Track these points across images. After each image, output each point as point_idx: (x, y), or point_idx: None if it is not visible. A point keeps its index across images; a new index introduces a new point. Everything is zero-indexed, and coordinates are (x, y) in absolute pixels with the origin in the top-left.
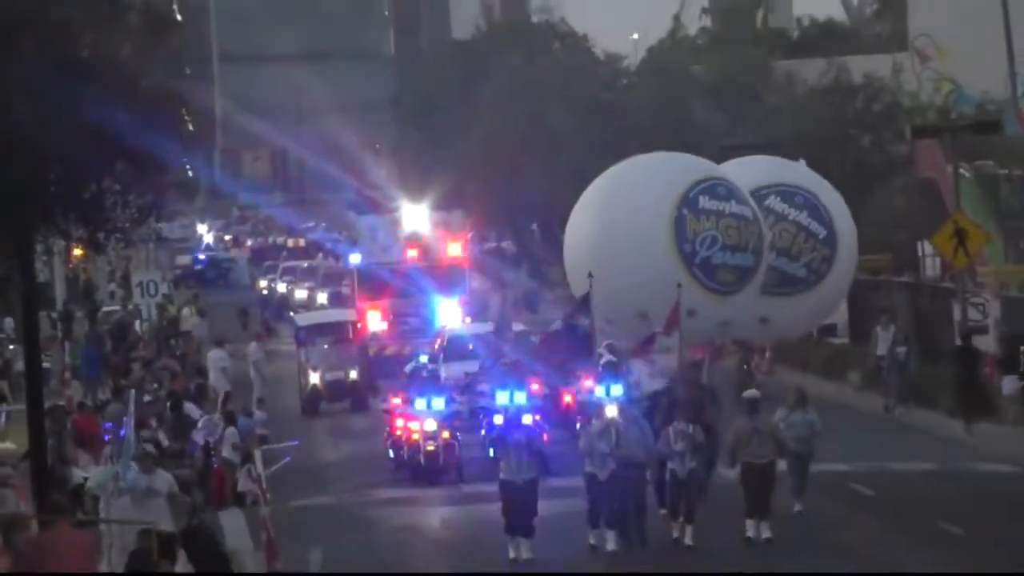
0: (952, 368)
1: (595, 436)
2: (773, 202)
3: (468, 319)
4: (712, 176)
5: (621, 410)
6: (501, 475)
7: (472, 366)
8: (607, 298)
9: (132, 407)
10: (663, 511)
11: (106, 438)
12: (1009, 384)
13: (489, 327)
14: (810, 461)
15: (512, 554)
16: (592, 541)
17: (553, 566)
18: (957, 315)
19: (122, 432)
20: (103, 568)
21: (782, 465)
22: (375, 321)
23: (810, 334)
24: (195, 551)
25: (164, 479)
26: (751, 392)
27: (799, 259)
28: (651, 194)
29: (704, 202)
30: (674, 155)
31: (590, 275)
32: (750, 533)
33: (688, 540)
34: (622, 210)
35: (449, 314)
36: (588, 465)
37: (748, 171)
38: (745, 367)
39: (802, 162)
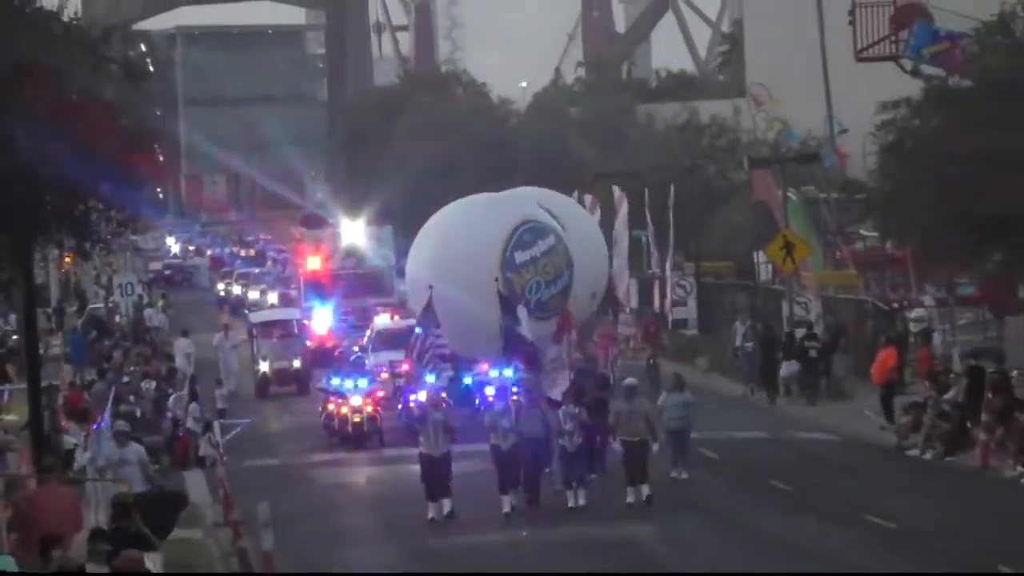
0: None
1: (498, 414)
2: None
3: (396, 317)
4: (518, 223)
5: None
6: (421, 448)
7: (396, 355)
8: (458, 338)
9: (109, 404)
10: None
11: (95, 427)
12: (787, 367)
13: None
14: (687, 435)
15: (431, 515)
16: (505, 509)
17: (468, 519)
18: (786, 311)
19: (102, 424)
20: (90, 517)
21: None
22: (318, 318)
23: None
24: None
25: (135, 451)
26: (629, 380)
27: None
28: (475, 261)
29: (519, 257)
30: (484, 208)
31: (430, 287)
32: (630, 499)
33: (581, 502)
34: (452, 271)
35: (379, 314)
36: (492, 439)
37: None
38: (652, 361)
39: None
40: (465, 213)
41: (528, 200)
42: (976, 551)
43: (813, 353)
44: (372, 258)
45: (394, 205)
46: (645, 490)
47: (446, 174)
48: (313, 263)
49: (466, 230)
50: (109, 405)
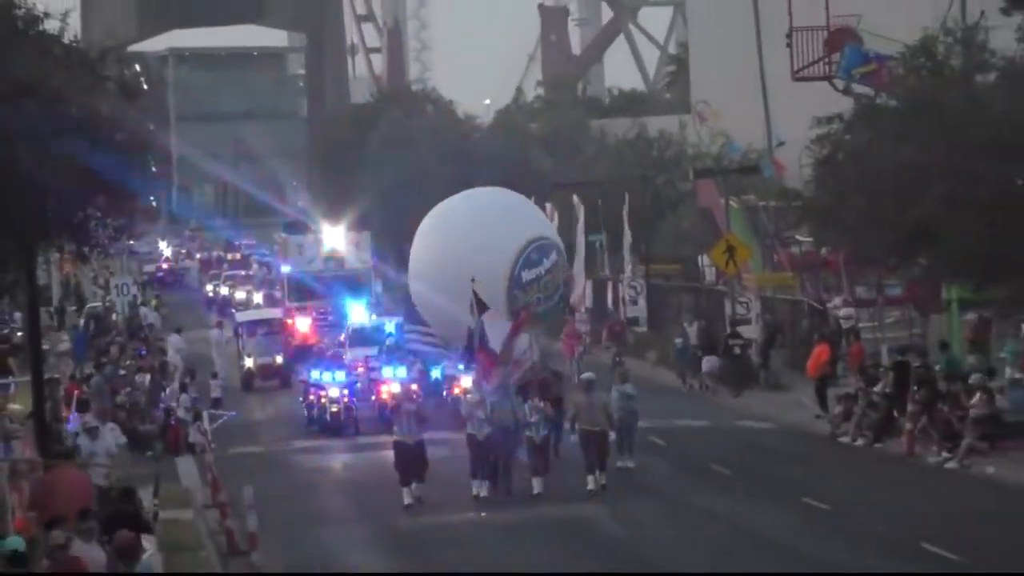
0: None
1: (474, 405)
2: None
3: (374, 316)
4: (528, 241)
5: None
6: (395, 437)
7: (371, 351)
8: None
9: (73, 407)
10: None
11: (69, 426)
12: (708, 363)
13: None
14: (631, 425)
15: (407, 501)
16: (475, 492)
17: (437, 502)
18: (728, 310)
19: (69, 426)
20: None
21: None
22: (300, 318)
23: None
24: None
25: (103, 445)
26: (586, 375)
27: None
28: (483, 277)
29: (526, 275)
30: (497, 219)
31: (472, 280)
32: (591, 487)
33: (539, 489)
34: (455, 282)
35: (358, 313)
36: (469, 428)
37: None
38: (617, 359)
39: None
40: (475, 220)
41: (533, 212)
42: (902, 530)
43: (736, 350)
44: (352, 261)
45: (371, 212)
46: (601, 478)
47: (416, 184)
48: (296, 265)
49: (475, 243)
50: (73, 407)
